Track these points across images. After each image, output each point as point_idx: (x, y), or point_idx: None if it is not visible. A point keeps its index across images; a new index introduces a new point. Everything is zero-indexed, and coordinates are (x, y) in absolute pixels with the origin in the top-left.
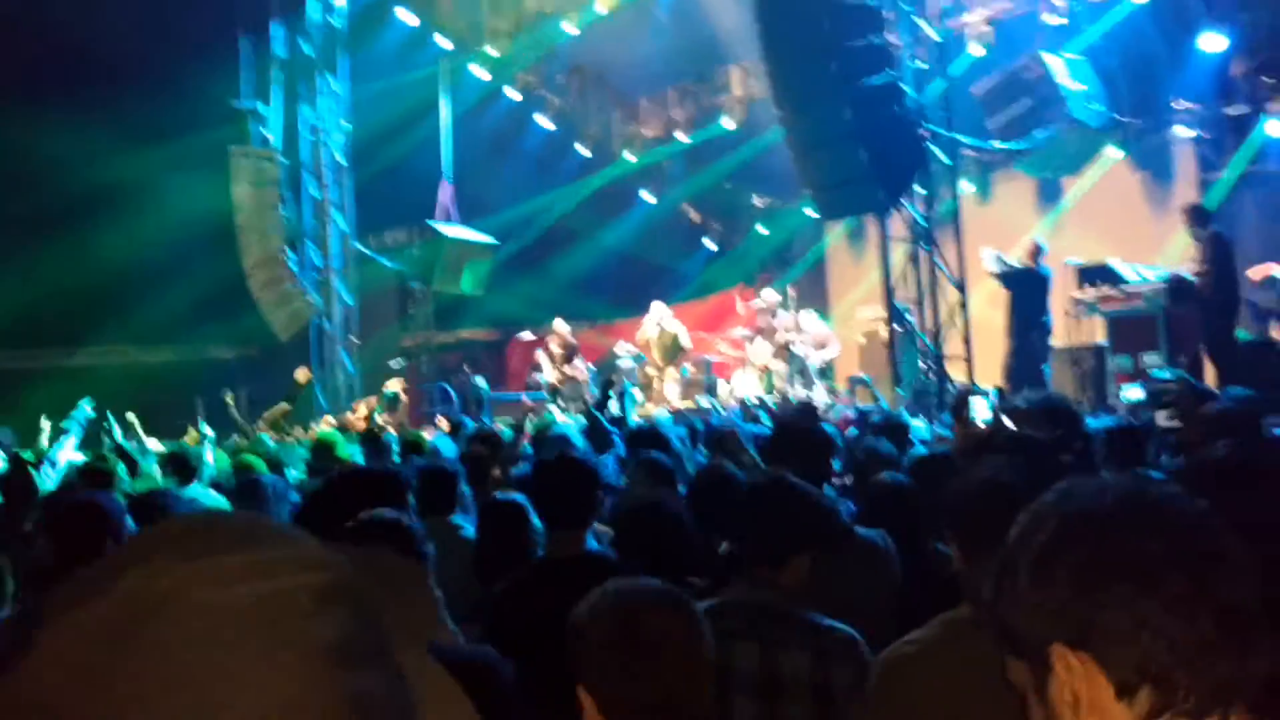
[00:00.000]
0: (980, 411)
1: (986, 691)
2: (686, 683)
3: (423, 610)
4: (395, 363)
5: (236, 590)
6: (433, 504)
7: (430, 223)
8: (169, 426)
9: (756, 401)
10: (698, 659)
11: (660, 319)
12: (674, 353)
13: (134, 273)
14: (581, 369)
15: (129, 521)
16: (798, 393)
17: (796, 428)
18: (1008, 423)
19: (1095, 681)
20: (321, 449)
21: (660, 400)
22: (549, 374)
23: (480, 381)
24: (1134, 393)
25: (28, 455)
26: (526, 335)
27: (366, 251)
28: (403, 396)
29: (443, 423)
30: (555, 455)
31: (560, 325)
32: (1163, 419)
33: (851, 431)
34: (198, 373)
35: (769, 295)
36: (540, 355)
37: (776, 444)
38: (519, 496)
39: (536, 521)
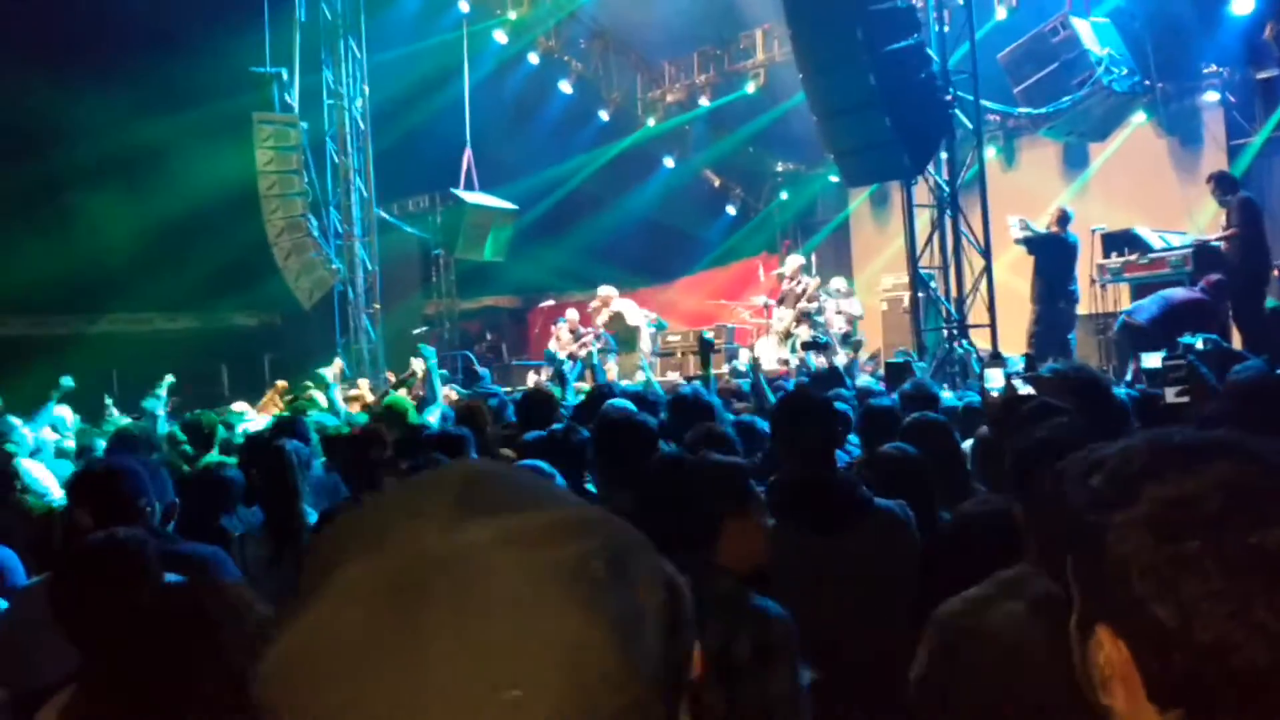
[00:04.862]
0: (995, 380)
1: (1037, 648)
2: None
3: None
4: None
5: (530, 556)
6: None
7: (452, 190)
8: (193, 394)
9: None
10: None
11: (607, 305)
12: (627, 331)
13: (157, 240)
14: (589, 340)
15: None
16: (819, 359)
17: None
18: (1022, 390)
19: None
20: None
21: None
22: (560, 352)
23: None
24: (1153, 360)
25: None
26: (549, 302)
27: (388, 218)
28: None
29: (450, 394)
30: (619, 417)
31: (571, 314)
32: (1171, 395)
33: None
34: (221, 340)
35: (793, 260)
36: (553, 338)
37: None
38: (541, 464)
39: (561, 482)
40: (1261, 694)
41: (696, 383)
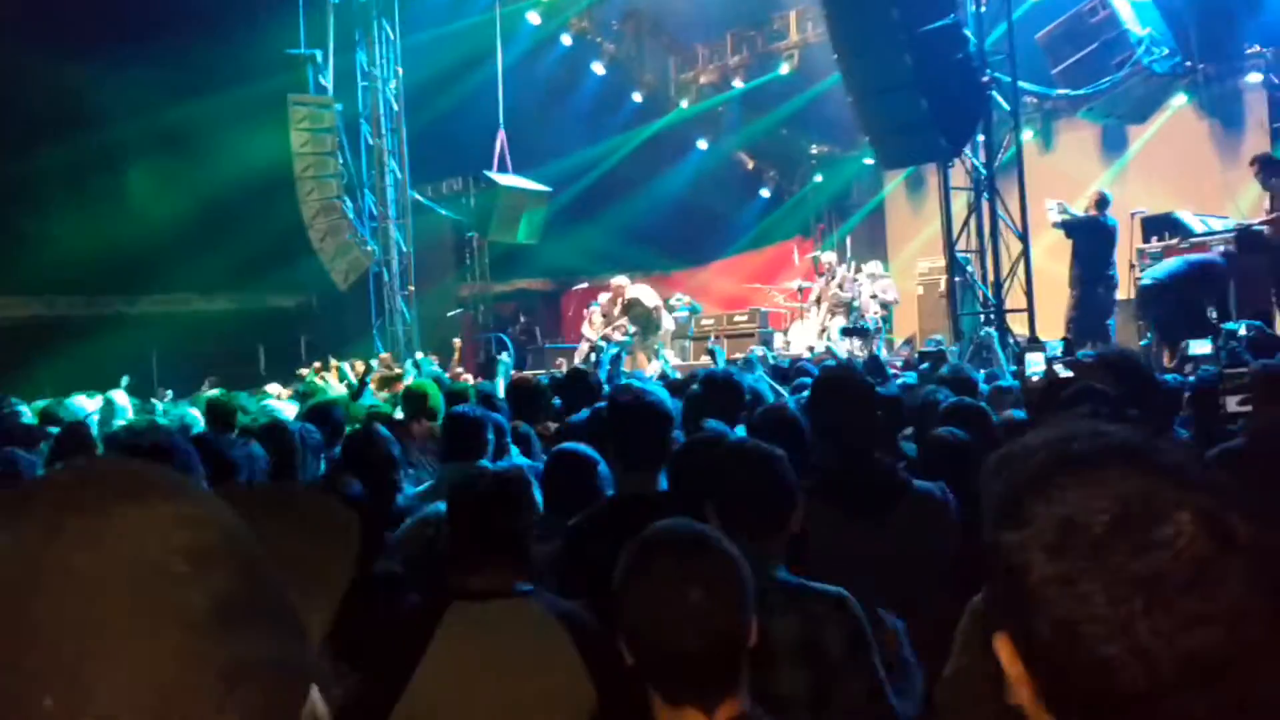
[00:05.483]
0: (1035, 365)
1: None
2: (718, 639)
3: (338, 555)
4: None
5: (100, 556)
6: (460, 451)
7: (485, 173)
8: (230, 374)
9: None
10: (729, 615)
11: (622, 296)
12: (646, 314)
13: (195, 221)
14: (624, 325)
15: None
16: (851, 345)
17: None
18: (1061, 374)
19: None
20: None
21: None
22: (590, 334)
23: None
24: (1202, 347)
25: None
26: (582, 285)
27: (422, 200)
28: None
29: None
30: (631, 397)
31: (604, 297)
32: (1233, 404)
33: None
34: (258, 321)
35: (827, 257)
36: (586, 321)
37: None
38: (585, 448)
39: (604, 469)
40: (1145, 715)
41: (732, 366)
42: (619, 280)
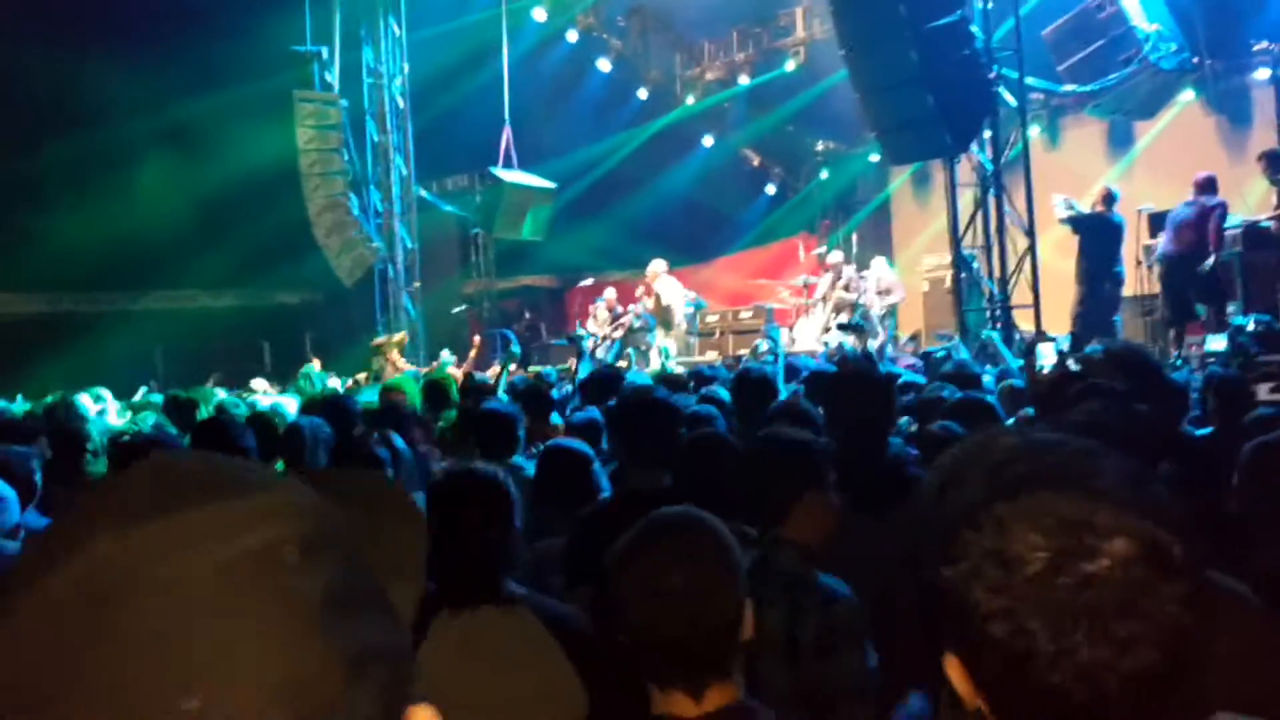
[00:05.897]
0: (1046, 357)
1: None
2: (701, 622)
3: (407, 540)
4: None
5: (214, 551)
6: (494, 446)
7: (491, 169)
8: (235, 370)
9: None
10: (713, 599)
11: (660, 289)
12: (662, 310)
13: (201, 217)
14: (628, 320)
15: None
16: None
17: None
18: (1072, 367)
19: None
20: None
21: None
22: (597, 333)
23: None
24: (1218, 344)
25: None
26: (587, 282)
27: (428, 197)
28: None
29: (495, 370)
30: (637, 396)
31: (609, 294)
32: (1265, 392)
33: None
34: (264, 317)
35: (833, 258)
36: (591, 318)
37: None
38: (579, 444)
39: (599, 467)
40: None
41: (764, 364)
42: (656, 264)
